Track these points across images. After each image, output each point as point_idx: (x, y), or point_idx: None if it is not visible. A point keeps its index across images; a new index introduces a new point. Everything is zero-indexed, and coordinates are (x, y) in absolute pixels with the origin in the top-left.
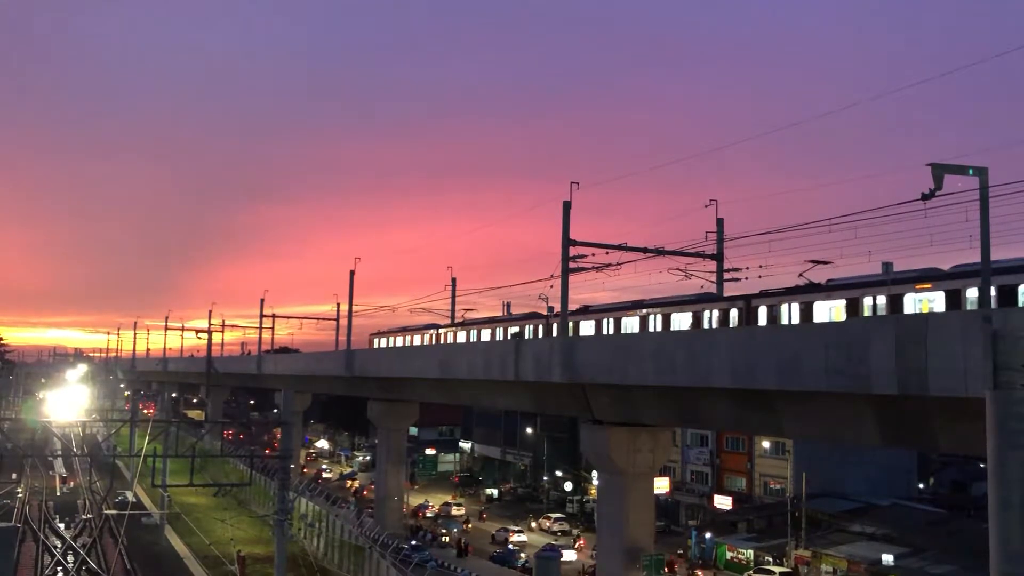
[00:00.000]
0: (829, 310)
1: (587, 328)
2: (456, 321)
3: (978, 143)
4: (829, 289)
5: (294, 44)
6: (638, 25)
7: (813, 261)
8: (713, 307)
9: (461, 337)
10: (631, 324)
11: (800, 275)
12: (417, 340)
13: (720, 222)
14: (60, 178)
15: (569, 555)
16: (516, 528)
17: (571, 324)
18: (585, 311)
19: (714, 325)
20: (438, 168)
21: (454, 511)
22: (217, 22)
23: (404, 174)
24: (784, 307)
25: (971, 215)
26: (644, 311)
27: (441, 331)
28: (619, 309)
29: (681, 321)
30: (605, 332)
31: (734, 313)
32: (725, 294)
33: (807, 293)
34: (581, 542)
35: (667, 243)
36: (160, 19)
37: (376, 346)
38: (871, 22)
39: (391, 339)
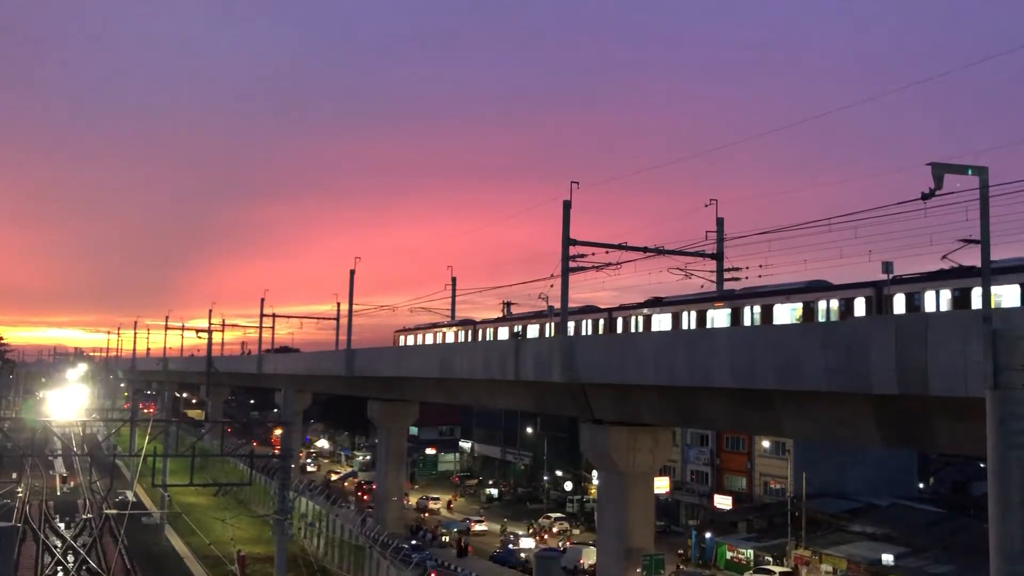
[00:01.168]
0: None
1: (661, 322)
2: (496, 317)
3: (978, 143)
4: (991, 272)
5: (294, 44)
6: (638, 25)
7: (964, 240)
8: (830, 296)
9: (503, 334)
10: (718, 317)
11: (943, 257)
12: (451, 337)
13: (720, 222)
14: (61, 178)
15: (527, 543)
16: (478, 518)
17: (641, 318)
18: (657, 303)
19: (832, 318)
20: (438, 168)
21: (431, 504)
22: (217, 22)
23: (404, 174)
24: (929, 295)
25: (971, 215)
26: (736, 302)
27: (478, 327)
28: (702, 300)
29: (785, 314)
30: (685, 327)
31: (859, 303)
32: (844, 282)
33: (959, 278)
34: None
35: (667, 243)
36: (160, 20)
37: (403, 344)
38: (871, 22)
39: (419, 336)
